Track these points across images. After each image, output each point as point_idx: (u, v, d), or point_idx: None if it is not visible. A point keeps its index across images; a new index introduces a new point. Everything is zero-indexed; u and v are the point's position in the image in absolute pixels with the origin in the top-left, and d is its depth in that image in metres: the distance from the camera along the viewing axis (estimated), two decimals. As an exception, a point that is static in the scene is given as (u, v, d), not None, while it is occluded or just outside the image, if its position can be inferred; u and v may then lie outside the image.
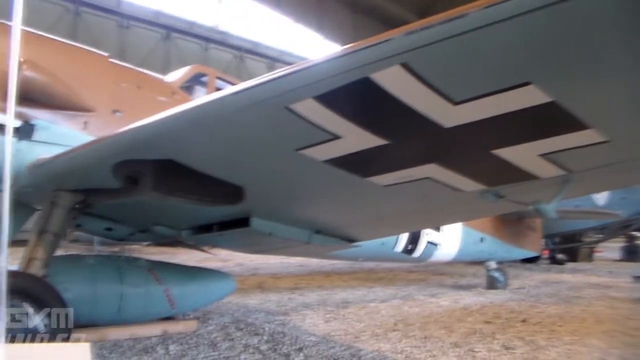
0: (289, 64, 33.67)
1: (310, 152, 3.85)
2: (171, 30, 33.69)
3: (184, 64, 8.69)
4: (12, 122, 3.33)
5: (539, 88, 2.83)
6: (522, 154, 3.76)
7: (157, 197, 4.90)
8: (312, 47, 39.16)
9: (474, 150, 3.84)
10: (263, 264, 16.31)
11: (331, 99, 3.14)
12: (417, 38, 2.61)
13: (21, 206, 6.19)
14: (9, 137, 3.43)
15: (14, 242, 7.12)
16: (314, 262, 16.14)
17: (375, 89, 2.95)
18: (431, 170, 4.12)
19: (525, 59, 2.68)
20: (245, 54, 37.38)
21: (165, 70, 8.47)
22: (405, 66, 2.76)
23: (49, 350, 3.47)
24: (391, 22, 35.36)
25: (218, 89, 7.34)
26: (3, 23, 6.03)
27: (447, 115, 3.22)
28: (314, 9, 39.82)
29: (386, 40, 2.70)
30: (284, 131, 3.64)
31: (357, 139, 3.59)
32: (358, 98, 3.14)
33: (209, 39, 35.49)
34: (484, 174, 4.29)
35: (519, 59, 2.68)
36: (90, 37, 25.08)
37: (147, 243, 12.89)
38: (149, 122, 3.97)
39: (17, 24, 3.31)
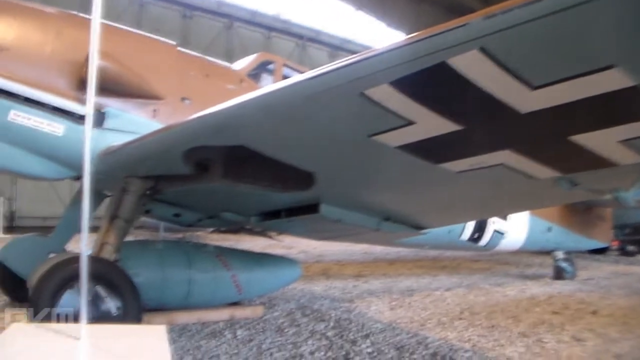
0: (351, 52, 33.64)
1: (383, 138, 3.83)
2: (233, 20, 33.93)
3: (246, 53, 8.74)
4: (91, 110, 3.39)
5: (623, 72, 2.74)
6: (600, 140, 3.66)
7: (227, 184, 4.96)
8: (374, 35, 38.92)
9: (550, 137, 3.76)
10: (327, 251, 16.37)
11: (406, 85, 3.12)
12: (496, 22, 2.56)
13: (93, 193, 6.36)
14: (88, 125, 3.49)
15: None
16: (378, 250, 16.12)
17: (451, 74, 2.92)
18: (505, 156, 4.05)
19: (610, 41, 2.60)
20: (307, 43, 37.41)
21: (228, 59, 8.54)
22: (484, 50, 2.72)
23: (128, 331, 3.56)
24: (455, 10, 34.65)
25: (285, 77, 7.37)
26: (76, 15, 6.19)
27: (525, 100, 3.16)
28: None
29: (464, 25, 2.66)
30: (357, 117, 3.63)
31: (431, 124, 3.56)
32: (434, 83, 3.12)
33: (271, 28, 35.62)
34: (560, 160, 4.19)
35: (604, 41, 2.60)
36: (154, 27, 25.39)
37: (210, 230, 13.10)
38: (222, 109, 4.01)
39: (96, 16, 3.37)
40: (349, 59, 3.16)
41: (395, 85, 3.13)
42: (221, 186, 5.07)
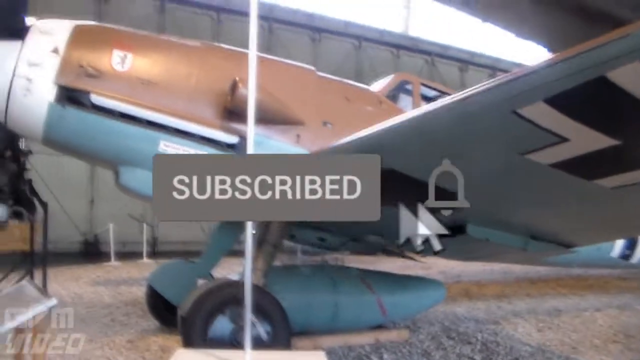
0: (480, 65, 32.95)
1: (535, 156, 3.73)
2: (362, 40, 34.13)
3: (375, 73, 8.78)
4: (252, 139, 3.53)
5: None
6: None
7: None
8: (504, 46, 38.08)
9: None
10: (465, 270, 15.99)
11: (562, 101, 3.03)
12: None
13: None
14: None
15: (229, 253, 7.52)
16: (518, 269, 15.56)
17: (610, 88, 2.81)
18: None
19: None
20: (436, 58, 37.04)
21: (357, 80, 8.62)
22: None
23: (289, 357, 3.62)
24: (596, 18, 32.64)
25: (423, 96, 7.35)
26: (218, 46, 6.46)
27: None
28: (502, 7, 38.43)
29: (626, 36, 2.56)
30: (509, 136, 3.56)
31: (586, 140, 3.43)
32: (591, 98, 3.01)
33: (399, 46, 35.54)
34: None
35: None
36: (284, 51, 25.92)
37: (348, 252, 13.11)
38: (374, 132, 4.05)
39: (253, 47, 3.52)
40: (503, 78, 3.11)
41: (549, 103, 3.04)
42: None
